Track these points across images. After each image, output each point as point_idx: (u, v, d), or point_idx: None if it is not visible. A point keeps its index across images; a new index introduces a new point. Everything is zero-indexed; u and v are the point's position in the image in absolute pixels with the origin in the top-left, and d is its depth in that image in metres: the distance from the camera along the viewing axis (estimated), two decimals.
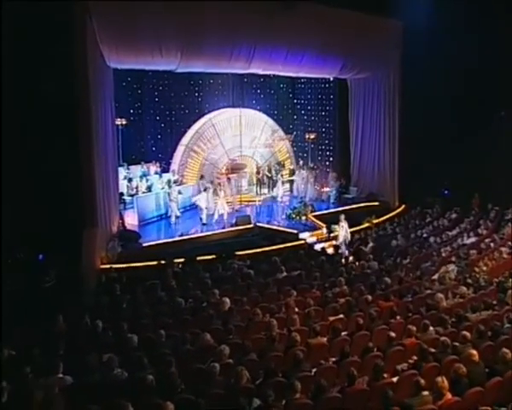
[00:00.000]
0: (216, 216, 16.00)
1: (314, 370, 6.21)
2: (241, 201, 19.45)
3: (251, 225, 15.51)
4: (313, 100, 22.51)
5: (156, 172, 18.08)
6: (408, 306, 8.27)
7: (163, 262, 11.80)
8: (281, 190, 19.75)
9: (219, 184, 17.32)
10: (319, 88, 22.17)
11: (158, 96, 19.54)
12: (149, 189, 16.89)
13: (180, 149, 19.86)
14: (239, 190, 20.02)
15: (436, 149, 17.86)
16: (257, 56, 15.41)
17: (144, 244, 13.60)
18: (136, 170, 18.25)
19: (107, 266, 12.06)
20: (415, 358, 6.52)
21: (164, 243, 13.74)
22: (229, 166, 20.24)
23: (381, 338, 7.11)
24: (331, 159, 22.12)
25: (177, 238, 14.26)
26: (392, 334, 6.81)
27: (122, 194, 16.20)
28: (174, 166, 19.61)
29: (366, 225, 16.24)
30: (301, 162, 21.74)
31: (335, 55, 17.27)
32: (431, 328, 7.33)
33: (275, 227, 15.78)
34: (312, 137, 21.65)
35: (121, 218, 14.92)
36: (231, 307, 8.54)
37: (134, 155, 18.60)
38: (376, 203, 18.96)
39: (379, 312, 8.26)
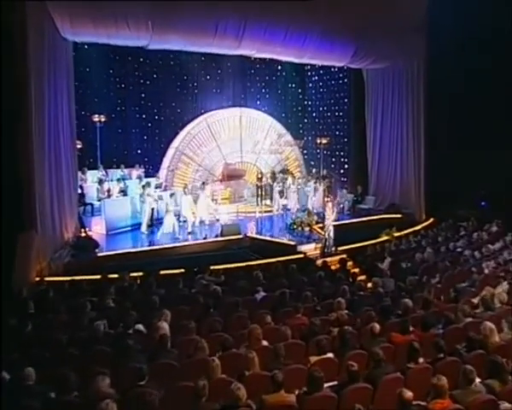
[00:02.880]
0: (189, 226, 13.42)
1: None
2: (238, 212, 16.65)
3: (239, 236, 12.68)
4: (326, 100, 20.18)
5: (139, 177, 15.48)
6: (437, 341, 5.16)
7: (111, 276, 9.07)
8: (292, 201, 16.77)
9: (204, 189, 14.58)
10: (333, 86, 19.81)
11: (144, 91, 17.39)
12: (124, 193, 14.29)
13: (170, 152, 17.47)
14: (237, 199, 17.44)
15: (470, 152, 14.95)
16: (248, 34, 12.95)
17: (100, 254, 10.91)
18: (116, 174, 15.73)
19: (50, 278, 9.54)
20: None
21: (125, 254, 11.09)
22: (225, 171, 17.56)
23: (389, 398, 4.09)
24: (346, 166, 19.44)
25: (143, 249, 11.54)
26: (409, 393, 3.78)
27: (82, 197, 13.66)
28: (162, 171, 17.09)
29: (385, 238, 13.36)
30: (314, 171, 18.96)
31: (346, 38, 14.60)
32: (477, 380, 4.28)
33: (269, 238, 12.87)
34: (325, 141, 19.29)
35: (81, 224, 12.32)
36: (165, 337, 5.64)
37: (115, 158, 16.16)
38: (398, 216, 16.07)
39: (390, 350, 5.23)
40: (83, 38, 11.89)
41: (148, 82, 17.28)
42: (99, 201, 13.67)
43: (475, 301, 7.48)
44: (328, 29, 14.08)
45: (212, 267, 9.68)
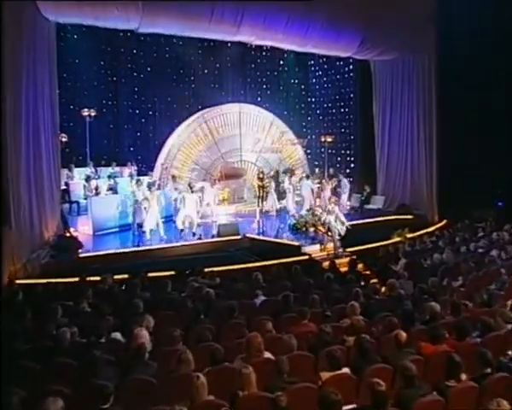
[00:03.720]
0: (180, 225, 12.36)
1: None
2: (237, 213, 15.70)
3: (238, 237, 11.69)
4: (330, 95, 19.39)
5: (130, 175, 14.52)
6: (483, 353, 4.13)
7: (92, 279, 8.10)
8: (290, 202, 15.73)
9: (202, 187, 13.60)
10: (338, 81, 19.02)
11: (138, 84, 16.59)
12: (114, 191, 13.32)
13: (164, 149, 16.55)
14: (236, 200, 16.52)
15: (485, 149, 14.26)
16: (247, 18, 12.14)
17: (82, 255, 9.93)
18: (106, 173, 14.76)
19: (24, 280, 8.63)
20: None
21: (110, 256, 10.10)
22: (223, 170, 16.60)
23: None
24: (352, 165, 18.52)
25: (131, 250, 10.55)
26: None
27: (68, 194, 12.70)
28: (156, 170, 16.14)
29: (397, 239, 12.42)
30: (317, 170, 17.99)
31: (352, 25, 13.77)
32: None
33: (271, 239, 11.90)
34: (329, 140, 18.41)
35: (65, 223, 11.35)
36: (142, 347, 4.64)
37: (105, 155, 15.22)
38: (410, 217, 15.15)
39: (421, 364, 4.22)
40: (66, 19, 10.96)
41: (141, 75, 16.50)
42: (85, 199, 12.68)
43: (509, 304, 6.48)
44: (334, 16, 13.28)
45: (206, 270, 8.66)
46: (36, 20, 10.03)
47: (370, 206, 15.98)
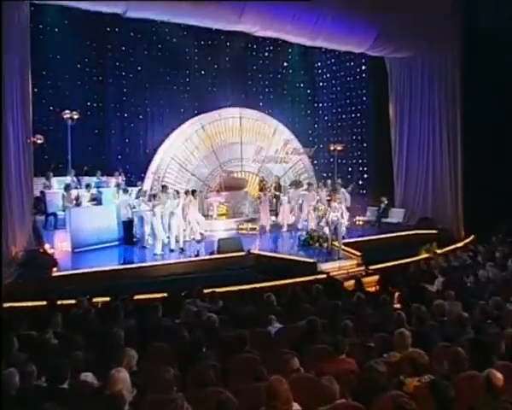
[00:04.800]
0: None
1: None
2: (238, 229, 14.47)
3: (242, 253, 10.48)
4: (340, 100, 18.59)
5: (117, 185, 13.32)
6: None
7: (65, 302, 6.84)
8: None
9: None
10: (348, 83, 18.22)
11: (126, 85, 15.66)
12: (98, 202, 12.11)
13: (156, 158, 15.49)
14: (236, 215, 15.46)
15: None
16: (252, 5, 11.08)
17: (56, 274, 8.64)
18: (91, 183, 13.54)
19: None
20: None
21: (89, 274, 8.80)
22: (222, 181, 15.45)
23: None
24: (365, 176, 17.56)
25: (114, 268, 9.30)
26: None
27: (44, 205, 11.46)
28: (147, 181, 14.97)
29: (425, 255, 11.42)
30: (328, 181, 16.86)
31: (367, 17, 12.86)
32: None
33: (281, 255, 10.77)
34: (339, 148, 17.53)
35: (38, 238, 10.07)
36: (119, 397, 3.34)
37: (89, 163, 14.03)
38: (433, 231, 14.06)
39: None
40: None
41: (130, 75, 15.56)
42: (64, 210, 11.43)
43: None
44: (347, 6, 12.54)
45: (206, 291, 7.39)
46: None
47: (389, 219, 14.96)
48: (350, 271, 9.97)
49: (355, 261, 10.44)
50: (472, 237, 13.99)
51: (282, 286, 8.79)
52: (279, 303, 6.91)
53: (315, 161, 18.61)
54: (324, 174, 18.32)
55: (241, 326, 5.84)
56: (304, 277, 9.21)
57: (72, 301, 7.05)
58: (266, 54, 18.29)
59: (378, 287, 8.49)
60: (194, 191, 12.76)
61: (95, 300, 7.37)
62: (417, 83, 15.14)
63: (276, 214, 15.15)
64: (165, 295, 7.68)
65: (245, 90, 17.75)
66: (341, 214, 11.07)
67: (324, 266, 9.93)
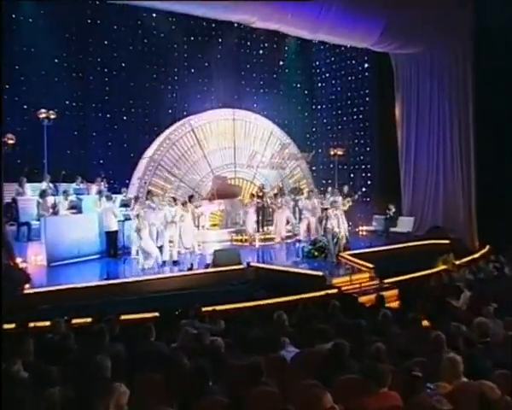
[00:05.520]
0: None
1: None
2: (233, 240, 13.98)
3: (241, 266, 9.87)
4: (341, 100, 18.25)
5: (99, 192, 12.60)
6: None
7: (39, 324, 6.09)
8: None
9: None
10: (349, 82, 17.87)
11: (109, 83, 15.01)
12: (77, 210, 11.41)
13: (142, 163, 14.96)
14: (230, 225, 14.95)
15: None
16: None
17: (28, 292, 7.88)
18: (69, 190, 12.79)
19: None
20: None
21: (67, 292, 8.02)
22: (214, 188, 14.82)
23: None
24: (369, 182, 17.14)
25: (96, 284, 8.56)
26: None
27: (16, 213, 10.71)
28: (132, 187, 14.32)
29: (441, 267, 10.85)
30: (329, 189, 16.41)
31: (373, 9, 12.53)
32: None
33: (284, 268, 10.16)
34: (340, 153, 17.10)
35: (9, 250, 9.25)
36: None
37: (68, 168, 13.24)
38: (445, 241, 13.66)
39: None
40: None
41: (114, 72, 14.90)
42: (39, 220, 10.65)
43: None
44: None
45: (204, 309, 6.69)
46: None
47: (397, 229, 14.52)
48: (363, 285, 9.33)
49: (367, 274, 9.85)
50: (487, 247, 13.49)
51: (288, 303, 8.14)
52: (291, 323, 6.22)
53: (313, 167, 18.18)
54: (324, 181, 17.92)
55: (249, 351, 5.16)
56: (313, 292, 8.52)
57: (47, 324, 6.31)
58: (261, 51, 17.83)
59: (398, 303, 7.83)
60: (191, 197, 12.39)
61: (74, 321, 6.62)
62: (426, 81, 14.86)
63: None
64: (157, 314, 6.99)
65: (238, 89, 17.19)
66: (338, 223, 10.87)
67: (334, 280, 9.27)
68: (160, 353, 5.17)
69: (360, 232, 15.91)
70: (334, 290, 8.78)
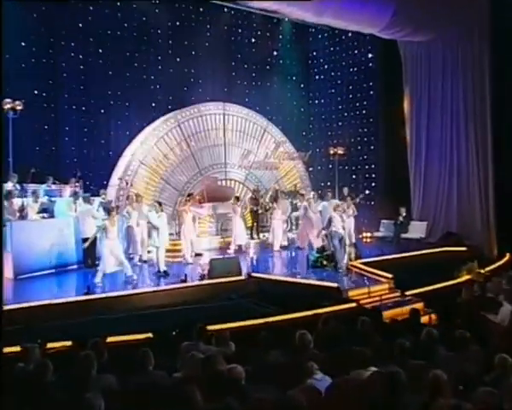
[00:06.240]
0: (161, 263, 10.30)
1: None
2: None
3: (240, 277, 9.34)
4: (341, 95, 18.09)
5: (75, 194, 11.95)
6: None
7: (6, 350, 5.33)
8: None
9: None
10: (351, 74, 17.61)
11: (84, 71, 14.43)
12: (49, 213, 10.80)
13: (122, 161, 14.28)
14: (221, 231, 14.44)
15: None
16: None
17: None
18: (40, 191, 12.05)
19: None
20: None
21: (41, 309, 7.22)
22: (204, 190, 14.24)
23: None
24: (373, 184, 16.94)
25: (75, 299, 7.81)
26: None
27: None
28: (111, 189, 13.72)
29: (466, 277, 10.44)
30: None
31: None
32: None
33: (292, 280, 9.57)
34: (340, 152, 16.88)
35: None
36: None
37: (38, 166, 12.44)
38: (463, 249, 13.36)
39: None
40: None
41: (89, 59, 14.42)
42: (4, 225, 9.79)
43: None
44: None
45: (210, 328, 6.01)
46: None
47: (408, 235, 14.15)
48: (383, 298, 8.73)
49: (386, 285, 9.30)
50: (507, 255, 13.10)
51: (301, 320, 7.48)
52: (315, 344, 5.53)
53: (310, 168, 17.78)
54: (322, 183, 17.54)
55: (272, 381, 4.45)
56: (328, 307, 7.87)
57: (17, 349, 5.50)
58: (253, 39, 17.43)
59: (427, 318, 7.26)
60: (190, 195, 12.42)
61: (50, 346, 5.83)
62: (438, 73, 14.61)
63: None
64: (150, 335, 6.24)
65: (228, 81, 16.86)
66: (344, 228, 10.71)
67: (351, 293, 8.65)
68: (164, 386, 4.43)
69: (364, 239, 15.35)
70: (353, 304, 8.18)
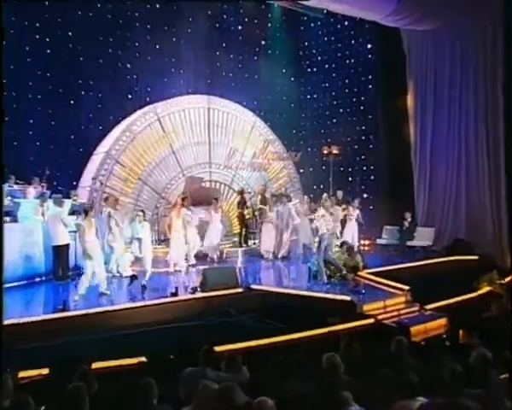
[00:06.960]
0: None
1: None
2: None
3: (238, 290, 8.91)
4: (336, 90, 18.00)
5: (41, 196, 11.52)
6: None
7: None
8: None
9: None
10: (348, 67, 17.55)
11: (51, 56, 13.84)
12: (13, 217, 10.15)
13: (95, 159, 13.89)
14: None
15: None
16: None
17: None
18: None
19: None
20: None
21: (11, 329, 6.57)
22: (187, 191, 14.04)
23: None
24: (372, 187, 16.91)
25: (49, 317, 7.27)
26: None
27: None
28: (82, 190, 13.35)
29: (486, 289, 10.31)
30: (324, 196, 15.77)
31: None
32: None
33: (298, 292, 9.09)
34: (335, 152, 16.77)
35: None
36: None
37: None
38: (474, 257, 13.14)
39: None
40: None
41: (57, 42, 13.80)
42: None
43: None
44: None
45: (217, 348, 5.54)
46: None
47: (414, 242, 13.88)
48: (401, 312, 8.34)
49: (402, 298, 8.93)
50: None
51: (310, 339, 7.03)
52: (346, 370, 5.04)
53: (301, 170, 17.53)
54: (315, 186, 17.35)
55: None
56: (342, 324, 7.42)
57: None
58: (240, 27, 17.14)
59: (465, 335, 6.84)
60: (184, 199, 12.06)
61: (23, 375, 5.20)
62: (445, 65, 14.44)
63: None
64: (144, 360, 5.66)
65: (212, 72, 16.58)
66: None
67: (365, 307, 8.23)
68: None
69: (363, 247, 15.01)
70: (371, 320, 7.76)
